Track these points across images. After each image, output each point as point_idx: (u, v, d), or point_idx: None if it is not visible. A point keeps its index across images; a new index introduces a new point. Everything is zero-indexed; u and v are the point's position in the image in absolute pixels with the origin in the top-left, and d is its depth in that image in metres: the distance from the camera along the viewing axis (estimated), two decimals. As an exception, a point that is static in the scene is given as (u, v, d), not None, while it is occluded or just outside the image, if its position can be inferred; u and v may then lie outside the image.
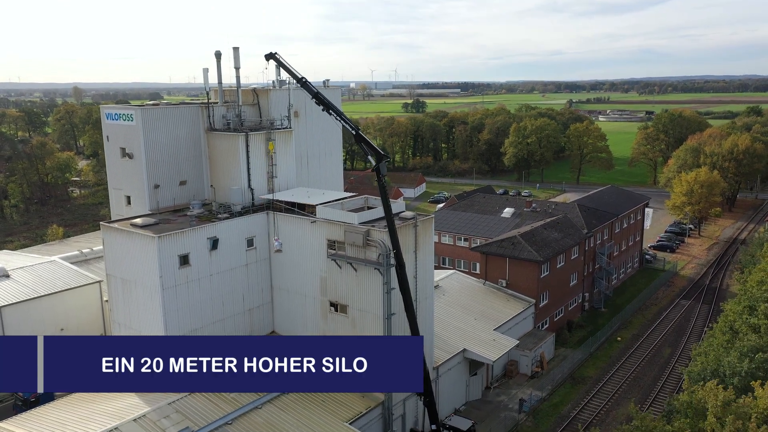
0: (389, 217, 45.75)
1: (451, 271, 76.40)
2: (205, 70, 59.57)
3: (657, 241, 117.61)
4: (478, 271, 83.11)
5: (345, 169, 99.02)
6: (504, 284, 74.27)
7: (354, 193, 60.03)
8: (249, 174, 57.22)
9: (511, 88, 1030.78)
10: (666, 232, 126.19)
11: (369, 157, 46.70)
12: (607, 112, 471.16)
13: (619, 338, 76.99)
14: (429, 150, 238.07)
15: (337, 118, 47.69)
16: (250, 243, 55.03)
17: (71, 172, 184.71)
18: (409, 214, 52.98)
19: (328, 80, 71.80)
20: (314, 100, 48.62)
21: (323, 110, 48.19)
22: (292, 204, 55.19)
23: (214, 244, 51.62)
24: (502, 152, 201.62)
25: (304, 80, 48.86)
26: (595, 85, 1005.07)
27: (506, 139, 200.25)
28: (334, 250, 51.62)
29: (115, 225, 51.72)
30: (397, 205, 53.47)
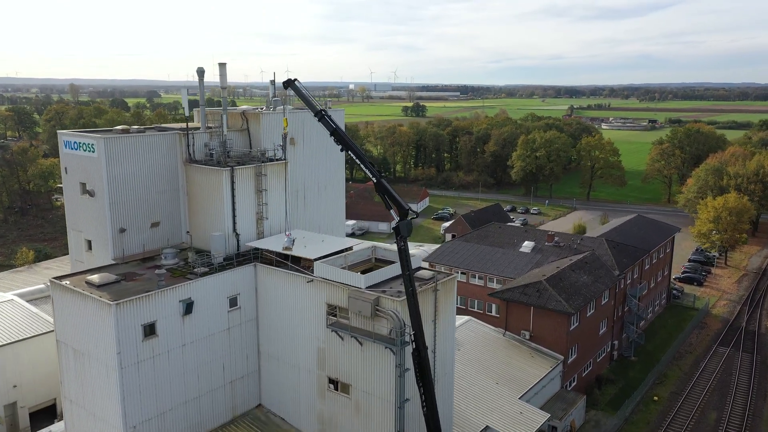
0: (410, 290, 36.62)
1: (466, 318, 67.07)
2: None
3: (682, 273, 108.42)
4: (493, 313, 73.92)
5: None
6: (527, 336, 64.92)
7: (359, 241, 50.56)
8: (234, 216, 47.77)
9: (510, 92, 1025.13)
10: (690, 261, 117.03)
11: (391, 211, 37.65)
12: (610, 119, 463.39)
13: (656, 398, 67.70)
14: (432, 160, 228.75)
15: (357, 160, 39.23)
16: (233, 302, 45.53)
17: (55, 179, 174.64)
18: (427, 273, 43.55)
19: (328, 101, 62.38)
20: (332, 137, 40.16)
21: (341, 150, 39.62)
22: (285, 256, 45.72)
23: (188, 308, 42.08)
24: (509, 165, 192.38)
25: (322, 112, 40.37)
26: (595, 91, 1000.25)
27: (513, 151, 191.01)
28: (335, 317, 42.17)
29: (67, 282, 42.11)
30: (413, 260, 44.08)
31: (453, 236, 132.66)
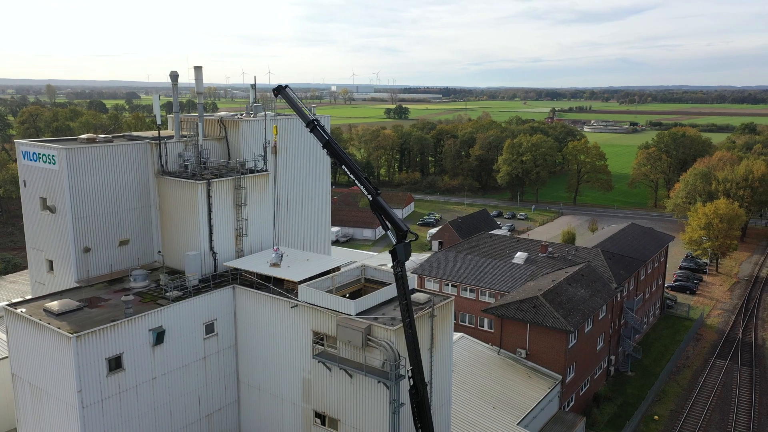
0: (407, 321, 33.07)
1: (459, 335, 63.57)
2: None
3: (674, 281, 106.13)
4: (486, 328, 70.62)
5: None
6: (523, 355, 61.65)
7: (347, 259, 46.87)
8: (211, 234, 43.80)
9: (492, 94, 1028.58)
10: (681, 268, 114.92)
11: (388, 232, 33.95)
12: (592, 122, 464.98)
13: (656, 417, 64.79)
14: (416, 164, 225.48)
15: (351, 175, 35.46)
16: (209, 329, 41.56)
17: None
18: (421, 296, 39.93)
19: (312, 107, 58.51)
20: (325, 149, 36.39)
21: (333, 162, 35.74)
22: (267, 278, 41.87)
23: (159, 337, 38.05)
24: (495, 169, 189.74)
25: (315, 123, 36.42)
26: (576, 93, 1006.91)
27: (499, 155, 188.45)
28: (323, 346, 38.42)
29: (22, 310, 37.84)
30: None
31: (440, 243, 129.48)
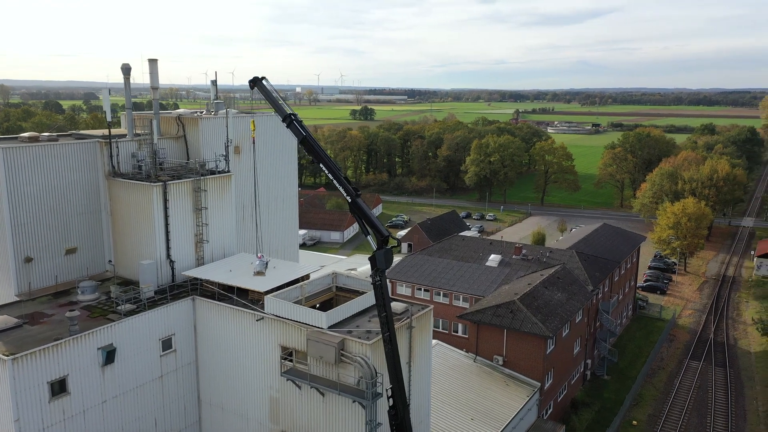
0: (386, 335, 30.28)
1: (434, 342, 60.93)
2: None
3: (644, 281, 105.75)
4: (460, 333, 68.17)
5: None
6: (500, 362, 59.41)
7: (318, 266, 43.75)
8: (168, 240, 40.24)
9: (457, 95, 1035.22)
10: (650, 268, 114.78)
11: (368, 237, 31.12)
12: (555, 123, 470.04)
13: (635, 422, 63.34)
14: (383, 165, 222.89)
15: (330, 174, 32.30)
16: (166, 345, 38.01)
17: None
18: (398, 306, 37.07)
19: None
20: (302, 145, 33.16)
21: (313, 161, 32.61)
22: (230, 288, 38.55)
23: (109, 356, 34.40)
24: (463, 170, 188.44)
25: (292, 117, 33.17)
26: (538, 95, 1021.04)
27: (467, 156, 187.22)
28: (291, 362, 35.29)
29: (-47, 330, 33.74)
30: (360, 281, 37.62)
31: (409, 245, 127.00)
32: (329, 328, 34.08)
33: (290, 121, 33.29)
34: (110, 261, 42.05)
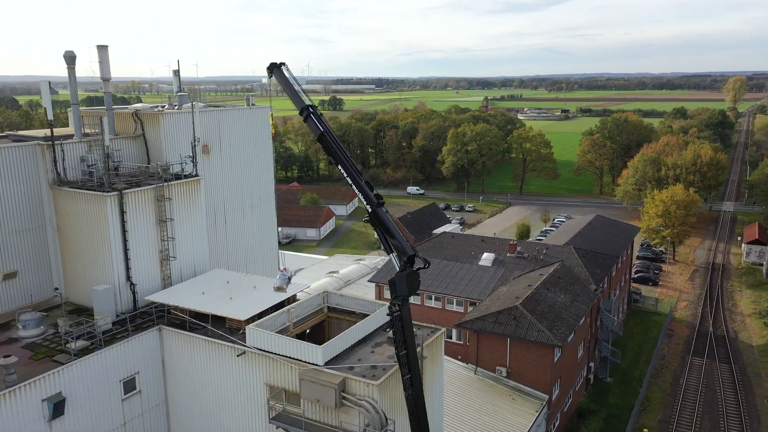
0: (408, 379, 24.92)
1: (429, 354, 55.59)
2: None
3: (635, 272, 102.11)
4: (454, 339, 63.12)
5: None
6: (504, 373, 54.43)
7: (304, 284, 37.85)
8: (127, 259, 33.90)
9: (424, 84, 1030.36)
10: (639, 258, 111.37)
11: (391, 256, 26.02)
12: (525, 110, 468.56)
13: (645, 430, 59.11)
14: (356, 157, 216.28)
15: (348, 178, 27.69)
16: (129, 386, 31.79)
17: None
18: (405, 331, 31.40)
19: (251, 97, 49.10)
20: (319, 142, 28.59)
21: (331, 162, 28.19)
22: (203, 316, 32.50)
23: (57, 408, 28.12)
24: (439, 160, 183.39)
25: (310, 109, 28.76)
26: (505, 82, 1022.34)
27: (443, 146, 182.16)
28: (282, 404, 29.47)
29: None
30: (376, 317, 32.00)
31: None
32: (326, 364, 28.34)
33: (308, 114, 28.97)
34: (56, 288, 35.50)
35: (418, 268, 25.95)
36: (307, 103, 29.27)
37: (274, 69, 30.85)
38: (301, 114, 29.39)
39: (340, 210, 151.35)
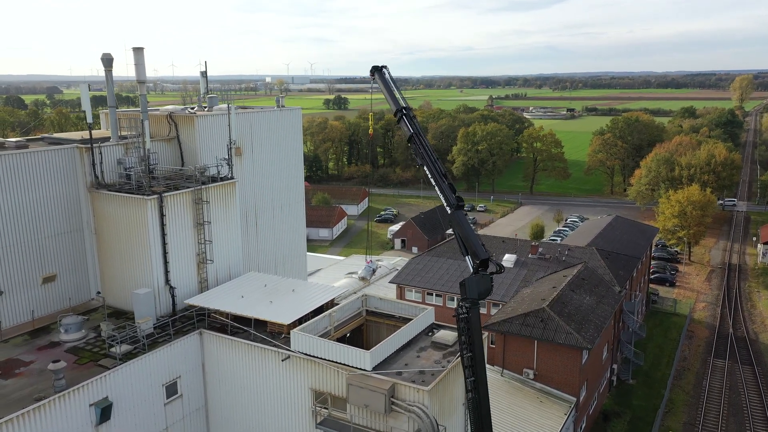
0: (472, 380, 24.83)
1: (455, 356, 55.48)
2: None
3: (652, 272, 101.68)
4: (476, 341, 62.82)
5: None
6: (531, 376, 54.17)
7: (339, 287, 37.68)
8: (166, 263, 33.76)
9: (428, 83, 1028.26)
10: (654, 258, 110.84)
11: (466, 258, 27.47)
12: (530, 109, 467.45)
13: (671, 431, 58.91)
14: (365, 156, 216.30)
15: (432, 180, 28.88)
16: (171, 390, 31.66)
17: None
18: (448, 336, 31.23)
19: (281, 98, 49.02)
20: (409, 143, 29.40)
21: (418, 165, 28.80)
22: (243, 319, 32.34)
23: (105, 413, 27.99)
24: (450, 160, 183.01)
25: (405, 111, 29.52)
26: (509, 81, 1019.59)
27: (454, 146, 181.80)
28: (327, 409, 29.31)
29: None
30: (424, 317, 31.79)
31: (403, 241, 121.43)
32: (374, 369, 28.16)
33: (402, 115, 29.79)
34: (98, 292, 35.41)
35: (491, 273, 25.97)
36: (403, 105, 29.95)
37: (376, 71, 31.89)
38: (395, 115, 30.23)
39: (352, 210, 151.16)
